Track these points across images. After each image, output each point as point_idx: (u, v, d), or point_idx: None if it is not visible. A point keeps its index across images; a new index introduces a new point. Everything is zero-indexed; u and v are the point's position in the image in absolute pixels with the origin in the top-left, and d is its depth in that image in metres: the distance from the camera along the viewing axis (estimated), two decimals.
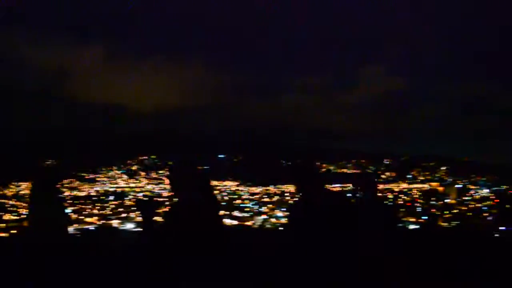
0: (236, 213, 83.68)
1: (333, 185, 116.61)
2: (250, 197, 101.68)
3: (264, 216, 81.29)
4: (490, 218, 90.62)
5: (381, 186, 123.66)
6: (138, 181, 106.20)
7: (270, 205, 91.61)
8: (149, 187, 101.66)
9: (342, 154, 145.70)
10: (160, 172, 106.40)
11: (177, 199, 4.96)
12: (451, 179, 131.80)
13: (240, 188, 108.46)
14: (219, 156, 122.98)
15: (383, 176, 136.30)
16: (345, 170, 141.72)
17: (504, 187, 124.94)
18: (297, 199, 4.51)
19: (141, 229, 8.14)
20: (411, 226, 76.30)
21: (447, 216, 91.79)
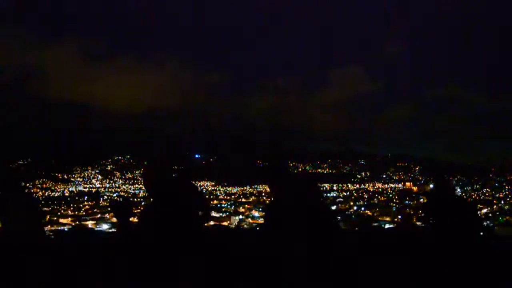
0: (213, 214, 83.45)
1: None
2: (227, 197, 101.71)
3: (241, 216, 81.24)
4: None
5: (357, 186, 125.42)
6: (113, 181, 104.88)
7: (247, 205, 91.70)
8: (124, 187, 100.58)
9: (318, 154, 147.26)
10: (136, 172, 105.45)
11: (152, 199, 4.82)
12: (425, 179, 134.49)
13: (216, 188, 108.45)
14: (195, 156, 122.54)
15: (358, 176, 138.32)
16: (320, 170, 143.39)
17: (476, 186, 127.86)
18: (272, 199, 4.44)
19: (116, 230, 7.98)
20: (387, 226, 77.52)
21: (422, 215, 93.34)
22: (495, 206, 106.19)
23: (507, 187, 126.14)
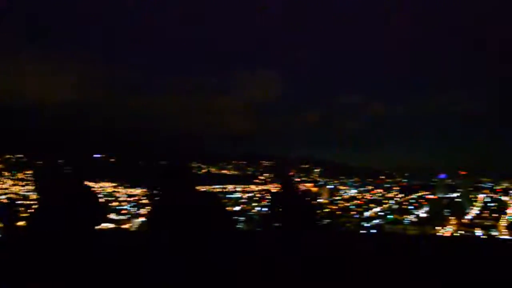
0: (112, 216, 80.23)
1: (213, 186, 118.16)
2: (128, 199, 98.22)
3: (142, 219, 78.81)
4: (356, 216, 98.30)
5: (259, 187, 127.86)
6: (2, 182, 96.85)
7: (149, 207, 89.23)
8: (14, 188, 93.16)
9: (222, 155, 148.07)
10: (27, 172, 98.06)
11: (43, 201, 4.57)
12: (324, 180, 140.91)
13: (117, 190, 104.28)
14: (94, 155, 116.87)
15: (261, 178, 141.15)
16: (225, 171, 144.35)
17: (369, 187, 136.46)
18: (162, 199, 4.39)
19: (1, 234, 7.41)
20: None
21: (320, 215, 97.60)
22: (385, 206, 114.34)
23: (396, 188, 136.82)
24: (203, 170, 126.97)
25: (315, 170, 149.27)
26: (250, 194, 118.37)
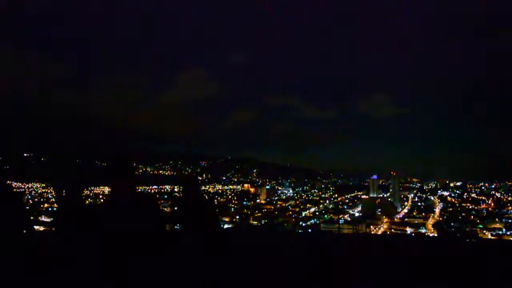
0: (43, 218, 76.26)
1: (150, 187, 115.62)
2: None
3: None
4: (294, 216, 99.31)
5: (203, 187, 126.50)
6: None
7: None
8: None
9: (160, 155, 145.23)
10: None
11: None
12: (261, 181, 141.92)
13: (48, 190, 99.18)
14: (24, 154, 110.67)
15: (200, 178, 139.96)
16: (162, 172, 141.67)
17: (306, 187, 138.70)
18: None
19: None
20: (226, 226, 79.43)
21: (257, 215, 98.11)
22: (321, 205, 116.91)
23: (332, 188, 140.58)
24: (139, 170, 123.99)
25: (253, 170, 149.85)
26: None
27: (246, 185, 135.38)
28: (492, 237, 68.80)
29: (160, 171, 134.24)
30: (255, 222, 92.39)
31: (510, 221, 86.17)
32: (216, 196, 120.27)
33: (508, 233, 76.52)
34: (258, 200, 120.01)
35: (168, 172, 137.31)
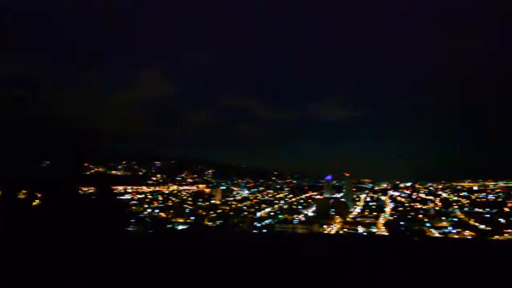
0: None
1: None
2: None
3: None
4: (252, 216, 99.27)
5: (151, 188, 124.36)
6: None
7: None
8: None
9: (113, 155, 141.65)
10: None
11: None
12: (216, 181, 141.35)
13: None
14: None
15: (153, 178, 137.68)
16: (116, 172, 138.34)
17: (261, 188, 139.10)
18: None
19: None
20: (180, 227, 78.52)
21: (213, 216, 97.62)
22: (276, 206, 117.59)
23: (286, 189, 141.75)
24: (91, 171, 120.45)
25: (208, 171, 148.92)
26: (141, 196, 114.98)
27: (201, 185, 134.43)
28: (439, 235, 71.49)
29: (113, 171, 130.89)
30: (210, 223, 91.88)
31: (455, 219, 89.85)
32: (171, 197, 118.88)
33: (454, 231, 79.72)
34: (213, 201, 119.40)
35: (121, 172, 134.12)
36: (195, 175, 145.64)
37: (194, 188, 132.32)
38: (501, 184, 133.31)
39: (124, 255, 6.22)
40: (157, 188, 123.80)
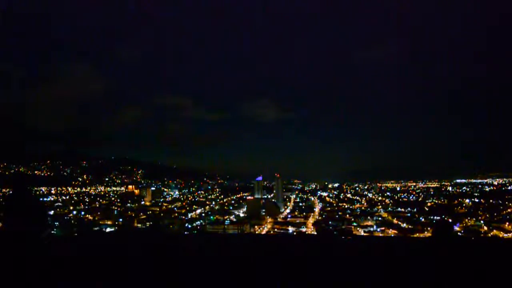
0: None
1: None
2: None
3: None
4: (183, 217, 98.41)
5: (78, 189, 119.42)
6: None
7: None
8: None
9: (35, 154, 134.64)
10: None
11: None
12: (146, 182, 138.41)
13: None
14: None
15: (80, 179, 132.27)
16: (38, 172, 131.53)
17: (193, 189, 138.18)
18: None
19: None
20: (108, 229, 76.11)
21: (142, 217, 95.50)
22: (207, 207, 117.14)
23: (218, 190, 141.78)
24: (11, 171, 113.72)
25: (138, 172, 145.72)
26: (66, 197, 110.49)
27: (130, 186, 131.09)
28: (365, 234, 74.72)
29: (36, 172, 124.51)
30: (139, 225, 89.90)
31: (380, 219, 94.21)
32: (98, 199, 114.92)
33: (378, 229, 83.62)
34: (143, 202, 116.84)
35: (45, 172, 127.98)
36: (124, 176, 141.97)
37: (123, 189, 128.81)
38: (421, 184, 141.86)
39: (36, 261, 6.05)
40: (84, 189, 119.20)
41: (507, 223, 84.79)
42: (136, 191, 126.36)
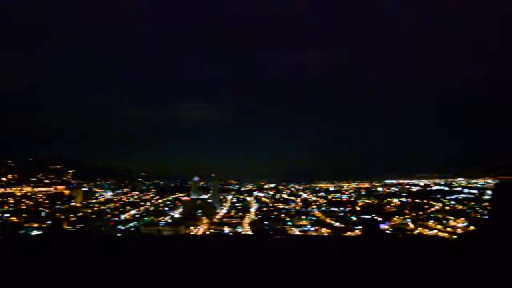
0: None
1: None
2: None
3: None
4: (116, 219, 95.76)
5: (1, 190, 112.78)
6: None
7: None
8: None
9: None
10: None
11: None
12: (77, 182, 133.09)
13: None
14: None
15: (4, 179, 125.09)
16: None
17: (126, 189, 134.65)
18: None
19: None
20: (34, 232, 72.49)
21: (73, 219, 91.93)
22: (142, 208, 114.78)
23: (153, 190, 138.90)
24: None
25: (68, 172, 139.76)
26: None
27: (59, 187, 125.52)
28: (299, 233, 76.42)
29: None
30: (69, 227, 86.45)
31: (314, 218, 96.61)
32: (24, 200, 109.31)
33: (312, 229, 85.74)
34: (73, 203, 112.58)
35: None
36: (53, 176, 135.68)
37: (51, 189, 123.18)
38: (353, 185, 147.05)
39: None
40: (8, 190, 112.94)
41: (432, 221, 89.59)
42: (66, 192, 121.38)
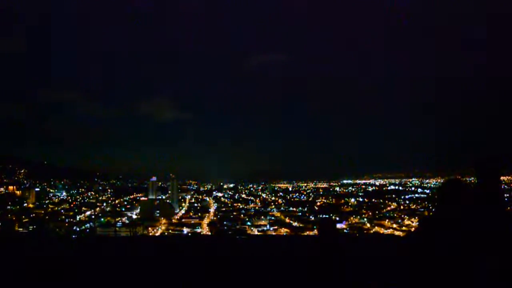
0: None
1: None
2: None
3: None
4: (71, 220, 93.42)
5: None
6: None
7: None
8: None
9: None
10: None
11: None
12: (30, 183, 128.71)
13: None
14: None
15: None
16: None
17: (82, 189, 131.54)
18: None
19: None
20: None
21: (25, 221, 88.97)
22: (98, 208, 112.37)
23: (110, 190, 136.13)
24: None
25: (21, 171, 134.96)
26: None
27: (10, 187, 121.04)
28: (259, 233, 76.90)
29: None
30: (21, 229, 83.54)
31: (273, 218, 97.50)
32: None
33: (271, 228, 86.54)
34: (25, 204, 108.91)
35: None
36: (4, 175, 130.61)
37: (1, 190, 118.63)
38: (311, 185, 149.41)
39: None
40: None
41: (387, 220, 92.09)
42: (18, 192, 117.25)
